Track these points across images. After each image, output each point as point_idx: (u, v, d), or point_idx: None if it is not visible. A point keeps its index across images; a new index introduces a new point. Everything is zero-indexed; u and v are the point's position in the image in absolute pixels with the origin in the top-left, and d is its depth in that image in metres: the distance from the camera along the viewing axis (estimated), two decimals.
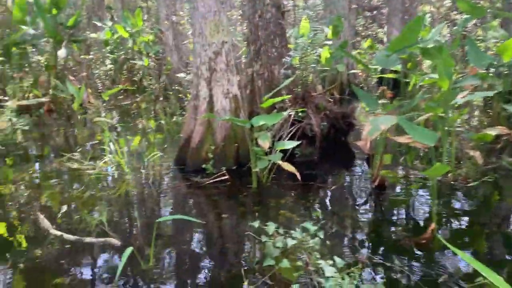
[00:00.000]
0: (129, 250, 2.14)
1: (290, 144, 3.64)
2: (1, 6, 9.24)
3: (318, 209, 3.19)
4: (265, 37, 4.68)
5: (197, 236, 2.83)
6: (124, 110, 8.38)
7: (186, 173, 4.09)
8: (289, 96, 3.85)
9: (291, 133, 4.16)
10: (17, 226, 3.06)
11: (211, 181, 3.78)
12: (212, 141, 4.13)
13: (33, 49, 8.78)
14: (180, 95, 8.36)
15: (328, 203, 3.39)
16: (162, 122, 6.56)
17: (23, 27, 7.56)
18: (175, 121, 6.84)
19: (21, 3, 7.56)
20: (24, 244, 2.73)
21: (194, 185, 3.79)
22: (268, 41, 4.70)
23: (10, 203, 3.53)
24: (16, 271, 2.40)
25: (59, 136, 6.30)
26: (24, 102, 5.52)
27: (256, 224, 2.22)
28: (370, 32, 17.74)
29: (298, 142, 3.72)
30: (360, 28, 17.43)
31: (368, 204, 3.34)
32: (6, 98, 6.09)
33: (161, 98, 8.76)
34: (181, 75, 8.52)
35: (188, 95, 7.79)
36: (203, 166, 4.03)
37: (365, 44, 12.94)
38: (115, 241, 2.61)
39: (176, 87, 8.62)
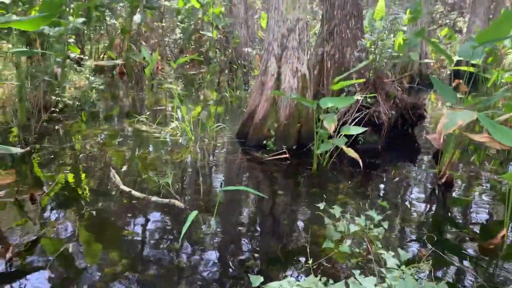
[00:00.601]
0: (194, 213, 2.24)
1: (355, 130, 3.56)
2: None
3: (378, 199, 3.12)
4: (341, 17, 4.54)
5: (256, 209, 2.89)
6: (189, 80, 8.61)
7: (247, 147, 4.15)
8: (362, 80, 3.74)
9: (357, 118, 4.06)
10: (89, 178, 3.29)
11: (271, 158, 3.81)
12: (275, 118, 4.14)
13: (109, 13, 9.19)
14: (245, 70, 8.42)
15: (389, 194, 3.31)
16: (226, 94, 6.66)
17: None
18: (238, 95, 6.92)
19: None
20: (95, 196, 2.94)
21: (255, 159, 3.84)
22: (343, 22, 4.55)
23: (82, 155, 3.80)
24: (86, 221, 2.60)
25: (129, 98, 6.62)
26: (101, 63, 5.84)
27: (321, 205, 2.21)
28: (447, 21, 16.63)
29: (364, 129, 3.62)
30: (437, 16, 16.37)
31: (433, 200, 3.21)
32: (85, 57, 6.48)
33: (226, 71, 8.87)
34: (248, 49, 8.53)
35: (255, 70, 7.82)
36: (264, 142, 4.06)
37: (442, 32, 12.16)
38: (179, 203, 2.73)
39: (242, 62, 8.67)
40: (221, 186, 3.22)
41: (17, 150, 2.59)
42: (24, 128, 4.39)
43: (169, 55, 9.92)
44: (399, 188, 3.43)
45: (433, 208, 3.07)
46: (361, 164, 3.40)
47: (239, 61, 8.77)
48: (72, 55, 6.03)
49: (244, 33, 9.53)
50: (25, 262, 2.12)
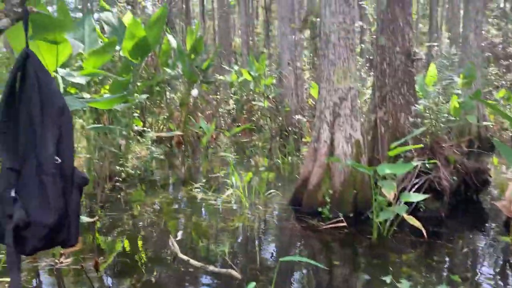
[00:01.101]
0: (252, 285, 2.20)
1: (416, 197, 3.42)
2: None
3: (447, 272, 2.90)
4: (393, 84, 4.60)
5: (315, 281, 2.78)
6: (241, 147, 8.87)
7: (301, 214, 4.10)
8: (420, 145, 3.67)
9: (416, 185, 3.92)
10: (147, 246, 3.37)
11: (328, 226, 3.72)
12: (330, 185, 4.10)
13: (169, 88, 9.94)
14: (295, 136, 8.56)
15: (458, 266, 3.06)
16: (278, 161, 6.74)
17: (166, 69, 8.63)
18: (290, 161, 6.98)
19: (166, 49, 8.69)
20: (153, 264, 2.99)
21: (310, 227, 3.77)
22: (395, 88, 4.60)
23: (140, 223, 3.93)
24: (142, 286, 2.63)
25: (186, 166, 6.90)
26: (161, 134, 6.24)
27: (388, 279, 2.10)
28: (503, 82, 16.18)
29: (425, 196, 3.48)
30: (492, 77, 16.01)
31: (508, 276, 2.92)
32: (147, 129, 6.95)
33: (277, 138, 9.06)
34: (298, 117, 8.74)
35: (307, 137, 7.92)
36: (319, 209, 4.00)
37: (499, 94, 11.79)
38: (236, 274, 2.70)
39: (292, 129, 8.85)
40: (277, 255, 3.16)
41: (86, 219, 2.75)
42: (90, 197, 4.67)
43: (223, 125, 10.37)
44: (468, 260, 3.18)
45: (510, 282, 2.79)
46: (424, 233, 3.22)
47: (289, 128, 8.96)
48: (135, 128, 6.50)
49: (294, 102, 9.83)
50: None
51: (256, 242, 3.48)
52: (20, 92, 1.34)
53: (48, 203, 1.34)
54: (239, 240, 3.50)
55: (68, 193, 1.43)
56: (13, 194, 1.31)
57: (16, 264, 1.29)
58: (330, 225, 3.72)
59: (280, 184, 5.56)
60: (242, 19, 16.18)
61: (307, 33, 15.91)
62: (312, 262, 2.36)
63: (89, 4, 15.79)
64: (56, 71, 3.05)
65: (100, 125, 4.52)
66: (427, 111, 4.23)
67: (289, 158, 7.14)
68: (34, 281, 2.73)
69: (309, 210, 4.10)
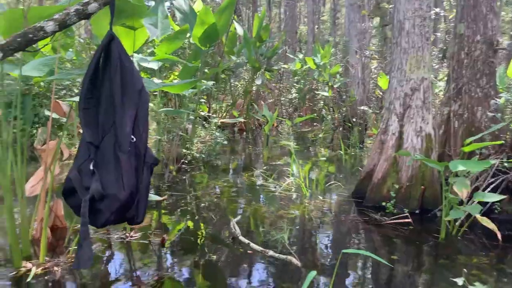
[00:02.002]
0: (313, 273, 2.18)
1: (492, 197, 3.19)
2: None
3: None
4: (470, 75, 4.27)
5: (376, 276, 2.71)
6: (302, 137, 8.81)
7: (363, 207, 4.00)
8: (500, 142, 3.39)
9: (492, 184, 3.64)
10: (209, 226, 3.48)
11: (391, 221, 3.60)
12: (396, 179, 3.94)
13: (233, 75, 10.09)
14: (359, 128, 8.32)
15: None
16: (340, 152, 6.61)
17: (231, 56, 8.75)
18: (353, 153, 6.82)
19: (232, 36, 8.80)
20: (214, 244, 3.08)
21: (372, 221, 3.67)
22: (473, 80, 4.27)
23: (203, 205, 4.06)
24: (205, 268, 2.72)
25: (247, 153, 7.01)
26: (225, 120, 6.38)
27: (460, 280, 1.99)
28: None
29: (502, 197, 3.22)
30: None
31: None
32: (212, 115, 7.15)
33: (340, 129, 8.88)
34: (364, 108, 8.48)
35: (373, 129, 7.69)
36: (383, 203, 3.87)
37: None
38: (296, 261, 2.71)
39: (357, 120, 8.61)
40: (336, 246, 3.12)
41: (155, 197, 2.90)
42: (159, 177, 4.90)
43: (284, 114, 10.35)
44: None
45: None
46: (498, 236, 3.00)
47: (354, 119, 8.72)
48: (201, 113, 6.71)
49: (360, 92, 9.54)
50: None
51: (316, 232, 3.46)
52: (103, 72, 1.43)
53: (122, 179, 1.41)
54: (298, 229, 3.50)
55: (140, 171, 1.51)
56: (91, 167, 1.40)
57: (88, 233, 1.38)
58: (394, 221, 3.59)
59: (341, 175, 5.45)
60: (308, 7, 15.91)
61: (376, 20, 15.31)
62: (376, 257, 2.29)
63: None
64: (132, 56, 3.22)
65: (171, 108, 4.70)
66: (510, 105, 3.89)
67: (352, 149, 6.97)
68: (107, 251, 2.94)
69: (372, 204, 3.99)
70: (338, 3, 23.44)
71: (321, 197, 4.34)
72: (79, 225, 3.21)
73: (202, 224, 3.53)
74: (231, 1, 5.53)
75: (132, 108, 1.43)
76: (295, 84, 11.39)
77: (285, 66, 11.30)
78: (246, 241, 3.01)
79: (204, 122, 6.96)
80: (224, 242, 3.14)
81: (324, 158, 6.56)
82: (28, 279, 2.43)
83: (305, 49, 19.69)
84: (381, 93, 9.53)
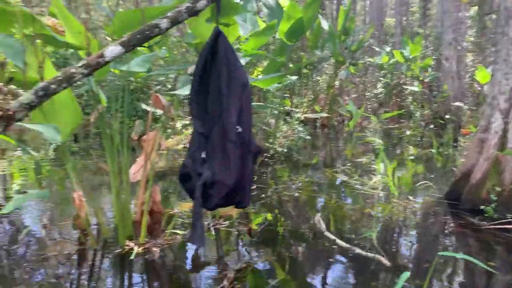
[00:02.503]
0: (406, 274, 2.10)
1: None
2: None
3: None
4: None
5: (473, 283, 2.52)
6: (389, 134, 8.44)
7: (459, 210, 3.73)
8: None
9: None
10: (293, 220, 3.51)
11: (492, 226, 3.30)
12: (498, 181, 3.61)
13: (315, 70, 9.99)
14: (453, 125, 7.74)
15: None
16: (432, 151, 6.22)
17: (315, 51, 8.68)
18: (446, 152, 6.37)
19: (317, 31, 8.71)
20: (299, 238, 3.10)
21: (469, 225, 3.40)
22: None
23: (285, 198, 4.09)
24: (287, 260, 2.74)
25: (329, 149, 6.91)
26: (309, 115, 6.36)
27: None
28: None
29: None
30: None
31: None
32: (295, 109, 7.18)
33: (430, 126, 8.35)
34: (458, 103, 7.87)
35: (471, 126, 7.12)
36: (482, 207, 3.57)
37: None
38: (385, 261, 2.62)
39: (450, 117, 8.01)
40: (428, 249, 2.95)
41: None
42: None
43: (369, 109, 10.00)
44: None
45: None
46: None
47: (446, 116, 8.13)
48: (285, 108, 6.77)
49: (454, 87, 8.85)
50: None
51: (406, 232, 3.31)
52: (211, 66, 1.51)
53: (229, 166, 1.50)
54: (386, 228, 3.37)
55: (245, 159, 1.58)
56: (203, 155, 1.51)
57: (201, 215, 1.49)
58: (495, 226, 3.29)
59: (432, 176, 5.13)
60: None
61: (473, 10, 14.13)
62: (476, 261, 2.13)
63: None
64: None
65: (259, 103, 4.82)
66: None
67: (445, 148, 6.52)
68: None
69: (468, 207, 3.70)
70: None
71: (410, 197, 4.13)
72: (174, 211, 3.44)
73: (283, 218, 3.57)
74: None
75: (237, 99, 1.51)
76: (381, 78, 10.94)
77: (371, 59, 10.90)
78: (332, 237, 2.98)
79: (287, 117, 7.00)
80: (306, 236, 3.14)
81: (413, 157, 6.23)
82: (131, 257, 2.67)
83: (391, 42, 18.80)
84: (478, 88, 8.76)
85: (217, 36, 1.50)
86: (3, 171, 5.15)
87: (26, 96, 1.23)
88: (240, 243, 3.04)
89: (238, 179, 1.50)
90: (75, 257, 2.75)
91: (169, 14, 1.41)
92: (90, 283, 2.46)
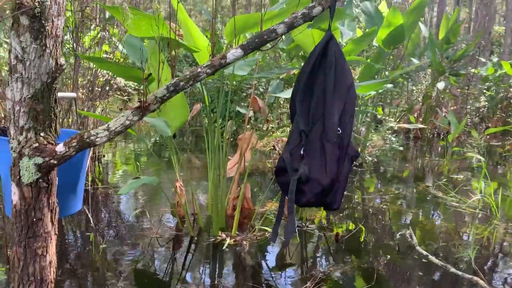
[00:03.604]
0: None
1: None
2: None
3: None
4: None
5: None
6: (489, 151, 7.75)
7: None
8: None
9: None
10: (379, 233, 3.42)
11: None
12: None
13: (410, 79, 9.53)
14: None
15: None
16: None
17: (413, 59, 8.29)
18: None
19: (416, 38, 8.32)
20: (379, 250, 3.01)
21: None
22: None
23: (370, 210, 3.99)
24: (364, 270, 2.68)
25: (423, 162, 6.56)
26: (404, 125, 6.11)
27: None
28: None
29: None
30: None
31: None
32: (388, 118, 6.94)
33: None
34: None
35: None
36: None
37: None
38: (484, 283, 2.45)
39: None
40: None
41: None
42: None
43: (469, 123, 9.27)
44: None
45: None
46: None
47: None
48: (377, 116, 6.59)
49: None
50: None
51: (507, 257, 3.04)
52: (319, 68, 1.58)
53: (325, 166, 1.54)
54: (485, 250, 3.13)
55: (342, 161, 1.61)
56: (302, 152, 1.57)
57: (293, 209, 1.55)
58: None
59: None
60: (510, 3, 13.80)
61: None
62: None
63: None
64: None
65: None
66: None
67: None
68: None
69: None
70: None
71: None
72: (263, 208, 3.56)
73: (370, 228, 3.50)
74: (422, 1, 5.26)
75: (341, 101, 1.55)
76: (485, 91, 10.07)
77: (474, 70, 10.09)
78: (424, 252, 2.86)
79: (378, 125, 6.80)
80: (395, 250, 3.04)
81: None
82: (224, 248, 2.84)
83: (497, 52, 17.19)
84: None
85: (329, 40, 1.55)
86: (109, 160, 5.76)
87: (160, 90, 1.41)
88: (326, 248, 3.06)
89: (333, 180, 1.53)
90: (172, 241, 3.00)
91: (286, 19, 1.50)
92: (184, 266, 2.67)
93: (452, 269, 2.62)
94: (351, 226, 3.47)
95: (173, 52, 2.14)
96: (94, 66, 4.53)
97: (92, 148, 4.72)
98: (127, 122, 1.39)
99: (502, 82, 10.05)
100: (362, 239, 3.23)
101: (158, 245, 2.92)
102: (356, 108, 4.48)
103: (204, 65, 1.45)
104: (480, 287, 2.44)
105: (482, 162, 4.94)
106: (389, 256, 2.90)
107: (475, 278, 2.50)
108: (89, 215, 3.39)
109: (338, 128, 1.56)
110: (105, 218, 3.46)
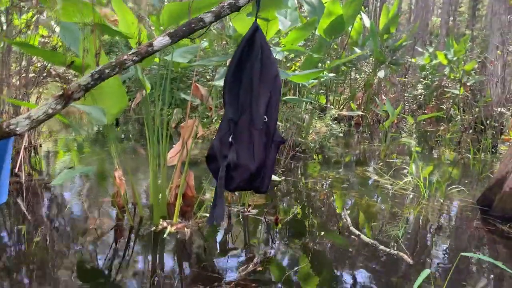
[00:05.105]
0: (426, 271, 2.14)
1: None
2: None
3: None
4: None
5: (494, 285, 2.52)
6: (425, 136, 8.27)
7: (489, 216, 3.67)
8: None
9: None
10: (319, 215, 3.58)
11: None
12: None
13: (354, 68, 9.90)
14: (493, 132, 7.49)
15: None
16: (468, 156, 6.08)
17: (355, 48, 8.60)
18: (483, 158, 6.20)
19: (358, 28, 8.62)
20: (324, 231, 3.18)
21: (497, 232, 3.36)
22: None
23: (313, 193, 4.17)
24: (312, 253, 2.84)
25: (362, 147, 6.89)
26: (344, 113, 6.36)
27: None
28: None
29: None
30: None
31: None
32: (330, 106, 7.18)
33: (469, 131, 8.12)
34: (501, 109, 7.60)
35: (511, 133, 6.90)
36: None
37: None
38: (408, 258, 2.66)
39: (491, 122, 7.75)
40: (453, 251, 2.95)
41: (275, 178, 3.10)
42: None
43: (407, 110, 9.82)
44: None
45: None
46: None
47: (487, 122, 7.87)
48: (319, 104, 6.80)
49: (498, 92, 8.53)
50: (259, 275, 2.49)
51: (432, 234, 3.31)
52: (246, 59, 1.63)
53: (253, 152, 1.62)
54: (413, 228, 3.39)
55: (268, 148, 1.69)
56: (230, 139, 1.63)
57: (222, 194, 1.62)
58: None
59: (467, 181, 5.04)
60: None
61: None
62: (497, 263, 2.14)
63: None
64: None
65: (294, 97, 4.89)
66: None
67: (482, 154, 6.34)
68: (226, 221, 3.27)
69: (500, 214, 3.64)
70: None
71: (441, 200, 4.10)
72: (205, 196, 3.60)
73: (311, 211, 3.65)
74: None
75: (267, 91, 1.62)
76: (421, 79, 10.68)
77: (412, 60, 10.65)
78: (357, 232, 3.05)
79: (321, 113, 7.02)
80: (331, 231, 3.21)
81: (449, 161, 6.11)
82: (164, 236, 2.85)
83: (435, 42, 18.21)
84: None
85: (255, 30, 1.60)
86: (49, 150, 5.52)
87: (84, 78, 1.39)
88: (267, 232, 3.16)
89: (260, 165, 1.61)
90: (112, 232, 2.96)
91: (213, 9, 1.52)
92: (125, 256, 2.66)
93: (381, 246, 2.82)
94: (292, 210, 3.60)
95: (102, 37, 2.08)
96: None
97: (27, 138, 4.48)
98: (50, 111, 1.36)
99: (437, 71, 10.71)
100: (302, 222, 3.37)
101: (97, 236, 2.87)
102: (288, 97, 4.62)
103: (131, 53, 1.44)
104: (404, 261, 2.65)
105: (414, 146, 5.28)
106: (326, 236, 3.06)
107: (401, 253, 2.71)
108: (22, 207, 3.26)
109: (265, 116, 1.63)
110: (40, 210, 3.34)
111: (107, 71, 1.40)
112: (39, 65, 4.92)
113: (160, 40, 1.46)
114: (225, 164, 1.58)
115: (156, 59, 3.26)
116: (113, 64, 1.41)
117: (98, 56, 1.44)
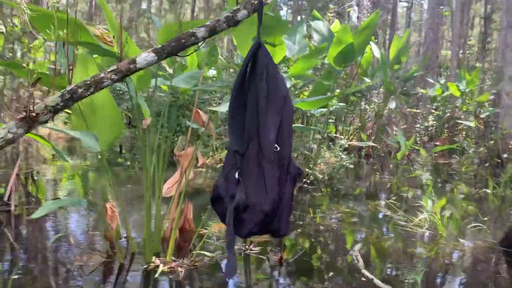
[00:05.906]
0: None
1: None
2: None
3: None
4: None
5: None
6: (437, 169, 7.96)
7: None
8: None
9: None
10: (329, 253, 3.28)
11: None
12: None
13: (364, 98, 9.73)
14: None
15: None
16: (487, 191, 5.75)
17: (365, 78, 8.47)
18: (503, 193, 5.86)
19: (368, 58, 8.51)
20: (333, 272, 2.88)
21: None
22: None
23: (322, 228, 3.88)
24: None
25: (374, 180, 6.60)
26: (355, 143, 6.13)
27: None
28: None
29: None
30: None
31: None
32: (340, 136, 6.96)
33: (486, 164, 7.79)
34: None
35: None
36: None
37: None
38: None
39: (509, 156, 7.44)
40: None
41: None
42: None
43: (418, 142, 9.55)
44: None
45: None
46: None
47: (505, 155, 7.55)
48: (328, 134, 6.58)
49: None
50: None
51: (453, 279, 2.99)
52: (250, 79, 1.40)
53: (265, 189, 1.33)
54: (430, 271, 3.07)
55: (283, 182, 1.40)
56: (237, 175, 1.36)
57: (233, 242, 1.33)
58: None
59: (486, 218, 4.70)
60: (455, 29, 14.61)
61: None
62: None
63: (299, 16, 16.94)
64: None
65: (301, 125, 4.69)
66: None
67: (502, 189, 6.00)
68: (226, 260, 2.98)
69: None
70: (490, 26, 21.18)
71: (460, 240, 3.77)
72: (205, 230, 3.33)
73: (319, 248, 3.36)
74: (373, 20, 5.34)
75: (276, 114, 1.36)
76: (433, 110, 10.46)
77: (423, 91, 10.48)
78: (370, 276, 2.74)
79: (330, 143, 6.79)
80: (341, 271, 2.91)
81: (463, 196, 5.78)
82: (156, 275, 2.57)
83: (445, 74, 18.10)
84: None
85: (257, 48, 1.39)
86: (53, 176, 5.33)
87: (52, 98, 1.19)
88: (270, 272, 2.87)
89: (275, 203, 1.34)
90: (101, 269, 2.70)
91: (208, 23, 1.33)
92: None
93: None
94: (299, 247, 3.31)
95: (76, 52, 1.89)
96: None
97: (18, 164, 4.28)
98: (9, 136, 1.15)
99: (449, 102, 10.50)
100: (308, 262, 3.07)
101: (82, 274, 2.61)
102: (296, 125, 4.40)
103: (109, 70, 1.24)
104: None
105: (427, 180, 4.99)
106: (335, 279, 2.76)
107: None
108: (11, 238, 3.03)
109: (276, 145, 1.37)
110: (23, 243, 3.09)
111: (80, 90, 1.20)
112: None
113: (145, 57, 1.26)
114: (233, 206, 1.31)
115: (164, 87, 3.10)
116: (88, 82, 1.21)
117: (71, 72, 1.25)
